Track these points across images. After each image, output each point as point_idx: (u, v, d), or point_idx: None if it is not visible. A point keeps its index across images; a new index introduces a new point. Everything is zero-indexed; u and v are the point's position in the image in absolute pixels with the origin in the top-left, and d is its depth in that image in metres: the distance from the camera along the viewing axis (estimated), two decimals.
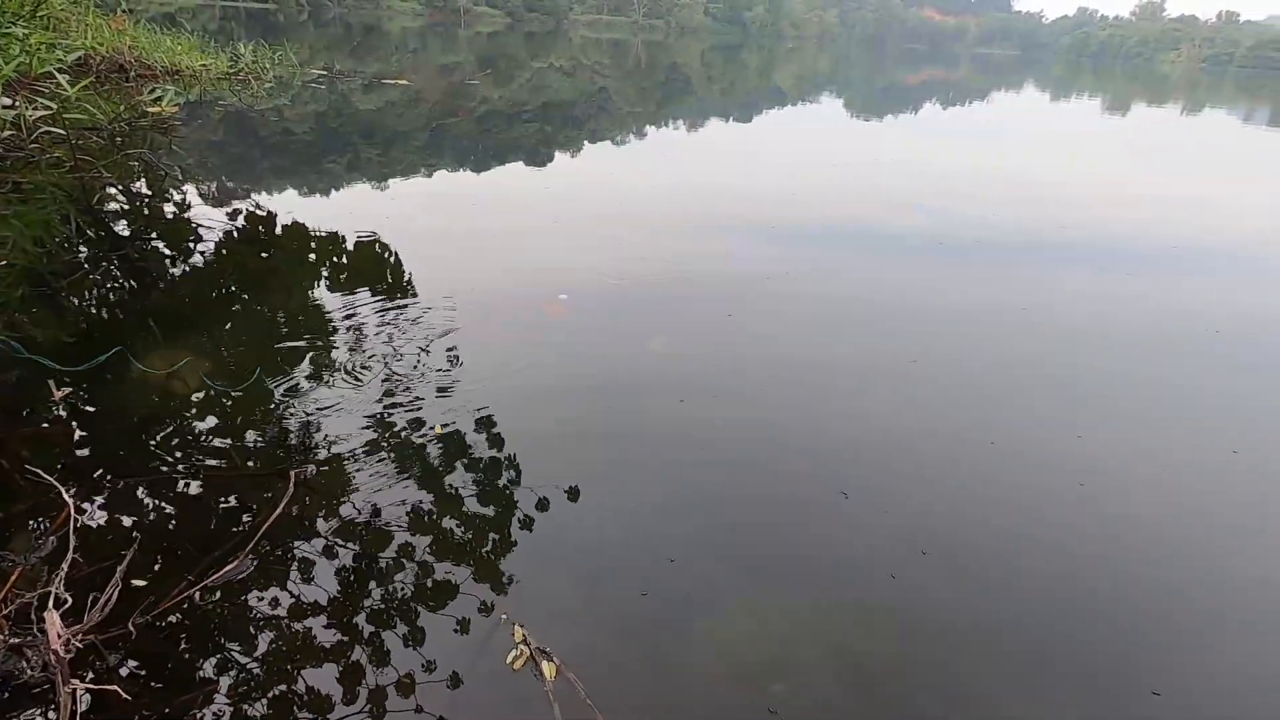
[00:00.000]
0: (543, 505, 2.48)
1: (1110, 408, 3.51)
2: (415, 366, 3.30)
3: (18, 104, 5.93)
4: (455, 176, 7.51)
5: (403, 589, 2.10)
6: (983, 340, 4.19)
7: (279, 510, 2.24)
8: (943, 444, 3.06)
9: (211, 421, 2.77)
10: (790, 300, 4.52)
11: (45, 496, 2.21)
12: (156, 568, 2.08)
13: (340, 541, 2.24)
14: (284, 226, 5.16)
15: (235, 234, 4.94)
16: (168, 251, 4.60)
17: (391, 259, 4.68)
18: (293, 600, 2.03)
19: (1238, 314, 5.00)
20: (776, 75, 30.68)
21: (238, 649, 1.88)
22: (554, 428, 2.98)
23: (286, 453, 2.62)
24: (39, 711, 1.62)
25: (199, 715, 1.70)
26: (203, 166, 6.67)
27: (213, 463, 2.54)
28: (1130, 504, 2.76)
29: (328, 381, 3.10)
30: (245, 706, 1.74)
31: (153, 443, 2.62)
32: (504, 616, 2.00)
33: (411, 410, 2.95)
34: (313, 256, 4.77)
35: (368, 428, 2.80)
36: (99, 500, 2.31)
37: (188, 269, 4.36)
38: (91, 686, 1.62)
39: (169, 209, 5.41)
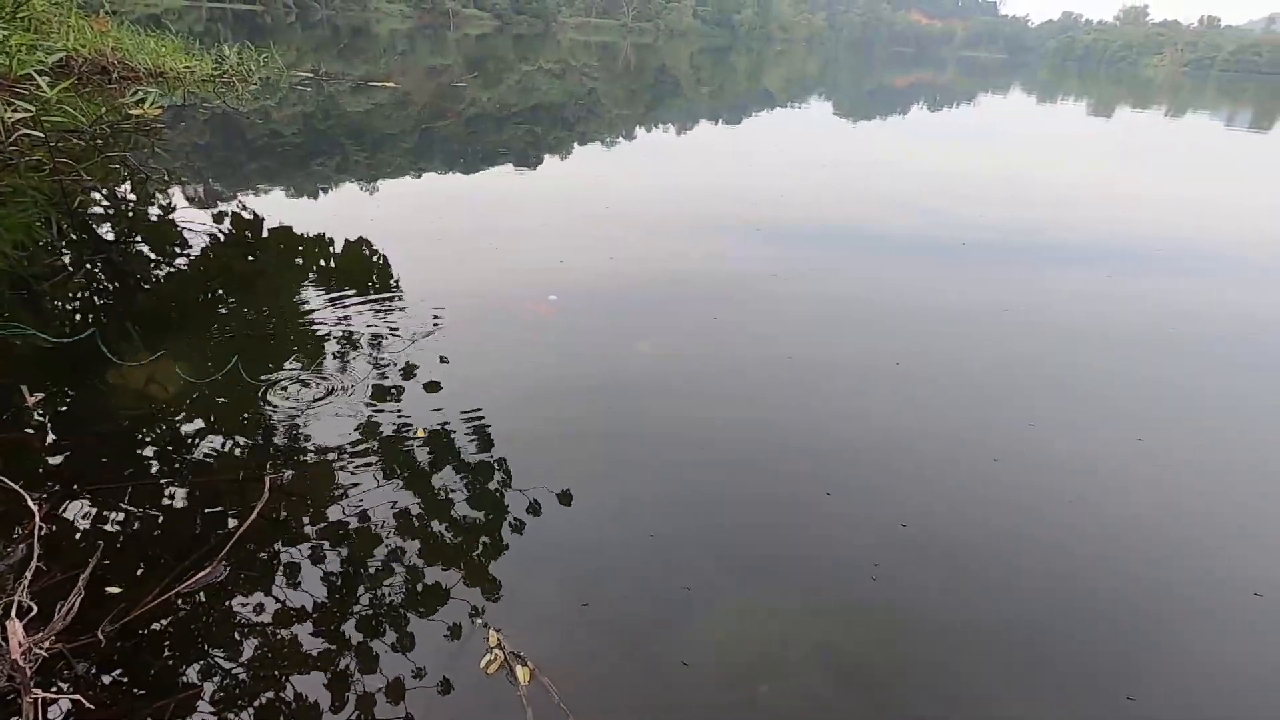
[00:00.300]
0: (533, 509, 2.44)
1: (1109, 407, 3.51)
2: (402, 368, 3.25)
3: None
4: (444, 178, 7.47)
5: (386, 594, 2.06)
6: (978, 339, 4.18)
7: (254, 516, 2.20)
8: (939, 444, 3.05)
9: (190, 426, 2.71)
10: (781, 300, 4.51)
11: (18, 504, 2.15)
12: (137, 574, 2.03)
13: (320, 546, 2.20)
14: (271, 229, 5.10)
15: (221, 237, 4.87)
16: (152, 254, 4.53)
17: (379, 261, 4.63)
18: (270, 606, 1.99)
19: (1234, 314, 5.04)
20: (765, 78, 30.80)
21: (214, 656, 1.84)
22: (541, 428, 2.95)
23: (266, 457, 2.57)
24: None
25: None
26: (189, 169, 6.60)
27: (190, 468, 2.49)
28: (1128, 504, 2.76)
29: (312, 384, 3.05)
30: (223, 714, 1.70)
31: (129, 448, 2.57)
32: (479, 621, 1.98)
33: (397, 412, 2.91)
34: (300, 259, 4.71)
35: (352, 431, 2.75)
36: (75, 507, 2.26)
37: (172, 272, 4.29)
38: (53, 695, 1.57)
39: (153, 212, 5.34)
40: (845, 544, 2.40)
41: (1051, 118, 21.58)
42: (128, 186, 5.76)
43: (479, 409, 2.97)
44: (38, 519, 2.02)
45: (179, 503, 2.33)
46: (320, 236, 4.93)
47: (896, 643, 2.04)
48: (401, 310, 3.87)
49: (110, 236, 4.76)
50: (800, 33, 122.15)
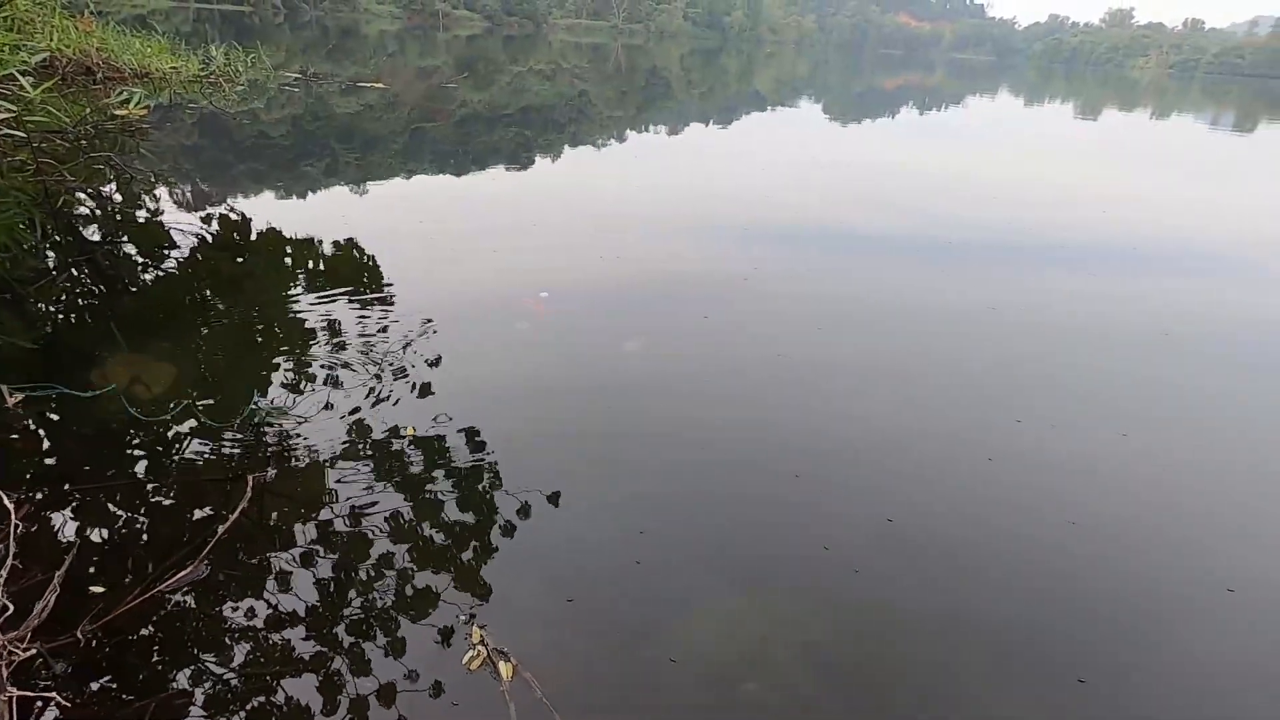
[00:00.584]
0: (524, 511, 2.43)
1: (1102, 406, 3.54)
2: (393, 369, 3.23)
3: None
4: (435, 180, 7.44)
5: (372, 594, 2.05)
6: (974, 339, 4.20)
7: (236, 514, 2.18)
8: (932, 443, 3.06)
9: (176, 427, 2.69)
10: (772, 300, 4.52)
11: None
12: (121, 574, 2.01)
13: (305, 546, 2.18)
14: (260, 231, 5.06)
15: (209, 239, 4.83)
16: (139, 257, 4.49)
17: (369, 262, 4.61)
18: (252, 606, 1.97)
19: (1230, 314, 5.09)
20: (756, 79, 30.89)
21: (197, 655, 1.82)
22: (531, 428, 2.94)
23: (252, 458, 2.55)
24: None
25: None
26: (176, 171, 6.54)
27: (175, 468, 2.47)
28: (1123, 503, 2.77)
29: (301, 385, 3.03)
30: (206, 713, 1.68)
31: (113, 449, 2.54)
32: (461, 618, 1.98)
33: (386, 413, 2.89)
34: (289, 261, 4.68)
35: (340, 431, 2.74)
36: (57, 507, 2.24)
37: (160, 274, 4.25)
38: (29, 694, 1.56)
39: (140, 214, 5.29)
40: (834, 542, 2.40)
41: (1040, 120, 21.75)
42: (114, 188, 5.70)
43: (468, 409, 2.96)
44: (14, 518, 2.00)
45: (164, 503, 2.31)
46: (310, 238, 4.90)
47: (885, 641, 2.05)
48: (391, 311, 3.85)
49: (97, 238, 4.71)
50: (790, 34, 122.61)
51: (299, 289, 4.14)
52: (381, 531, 2.28)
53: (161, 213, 5.31)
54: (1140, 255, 6.49)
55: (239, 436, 2.66)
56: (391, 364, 3.28)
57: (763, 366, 3.64)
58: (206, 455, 2.55)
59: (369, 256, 4.68)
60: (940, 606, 2.17)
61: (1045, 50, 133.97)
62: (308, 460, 2.57)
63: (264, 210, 5.61)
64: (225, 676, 1.79)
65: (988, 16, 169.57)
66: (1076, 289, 5.26)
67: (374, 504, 2.39)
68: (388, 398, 3.02)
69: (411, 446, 2.72)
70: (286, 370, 3.16)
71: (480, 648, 1.88)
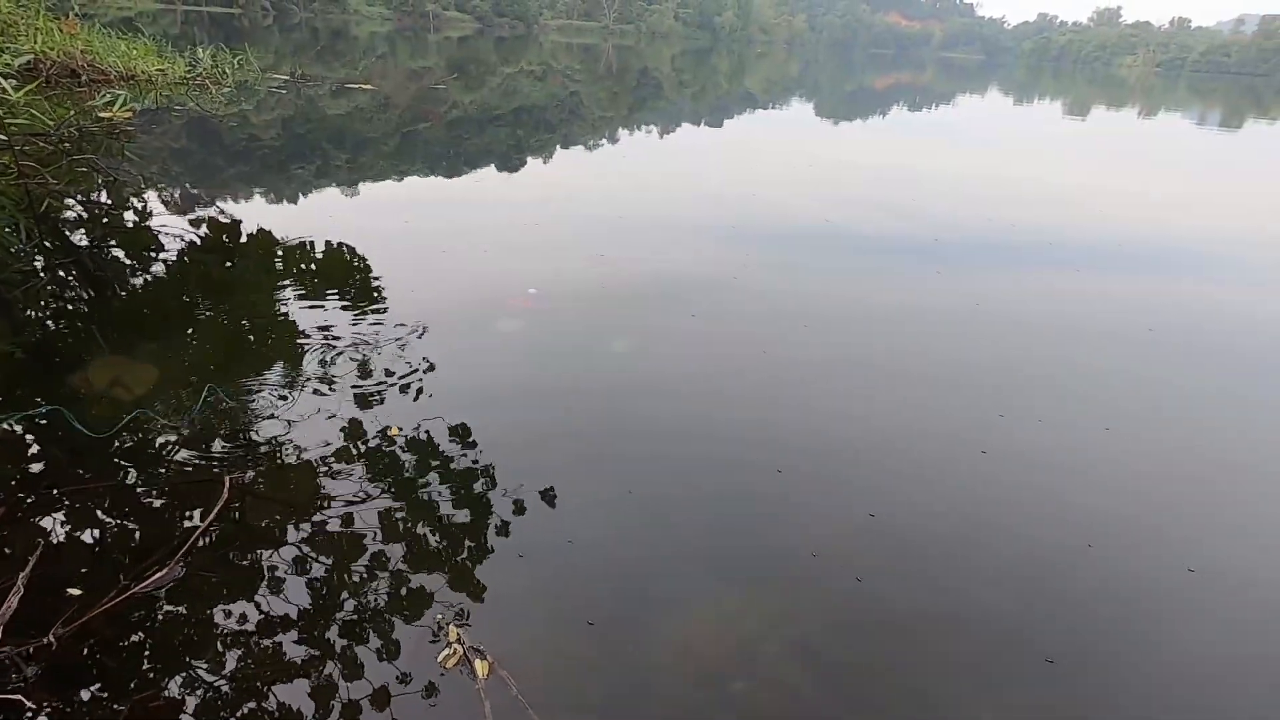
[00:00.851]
0: (519, 508, 2.41)
1: (1092, 403, 3.55)
2: (381, 369, 3.21)
3: None
4: (426, 181, 7.40)
5: (357, 596, 2.03)
6: (965, 336, 4.21)
7: (213, 516, 2.18)
8: (925, 440, 3.07)
9: (156, 429, 2.65)
10: (760, 298, 4.51)
11: None
12: (99, 577, 2.00)
13: (285, 547, 2.17)
14: (249, 234, 5.02)
15: (198, 242, 4.78)
16: (127, 260, 4.44)
17: (359, 264, 4.57)
18: (228, 608, 1.96)
19: (1210, 310, 5.12)
20: (747, 79, 30.93)
21: (173, 658, 1.81)
22: (518, 425, 2.93)
23: (235, 459, 2.53)
24: None
25: None
26: (166, 174, 6.48)
27: (158, 471, 2.45)
28: (1117, 502, 2.78)
29: (287, 387, 3.01)
30: (180, 714, 1.67)
31: (94, 453, 2.51)
32: (439, 616, 1.97)
33: (376, 412, 2.87)
34: (279, 264, 4.64)
35: (325, 432, 2.72)
36: (39, 510, 2.21)
37: (149, 277, 4.20)
38: None
39: (129, 217, 5.23)
40: (823, 539, 2.40)
41: (1030, 119, 21.86)
42: (104, 193, 5.64)
43: (457, 408, 2.94)
44: None
45: (144, 505, 2.30)
46: (301, 241, 4.85)
47: (874, 636, 2.05)
48: (383, 312, 3.83)
49: (84, 242, 4.65)
50: (781, 34, 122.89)
51: (289, 291, 4.10)
52: (367, 531, 2.27)
53: (150, 216, 5.26)
54: (1126, 254, 6.52)
55: (223, 440, 2.63)
56: (383, 364, 3.26)
57: (751, 364, 3.64)
58: (190, 458, 2.53)
59: (360, 258, 4.65)
60: (929, 600, 2.17)
61: (1034, 49, 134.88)
62: (293, 461, 2.56)
63: (254, 213, 5.57)
64: (202, 679, 1.77)
65: (977, 15, 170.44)
66: (1065, 287, 5.29)
67: (360, 503, 2.37)
68: (376, 397, 3.00)
69: (399, 446, 2.70)
70: (276, 370, 3.13)
71: (456, 645, 1.88)
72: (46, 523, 2.19)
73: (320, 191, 6.63)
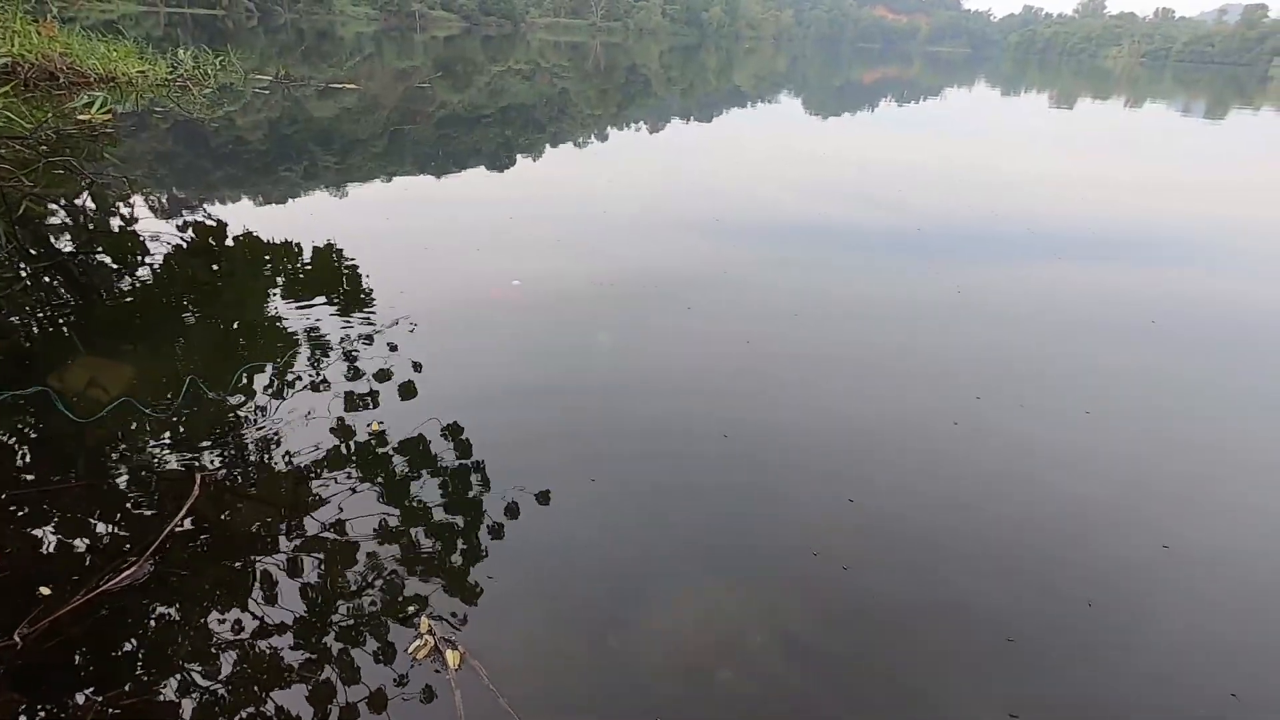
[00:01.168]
0: (511, 511, 2.40)
1: (1080, 391, 3.57)
2: (372, 371, 3.19)
3: None
4: (414, 181, 7.36)
5: (345, 596, 2.02)
6: (955, 327, 4.23)
7: (182, 513, 2.17)
8: (904, 429, 3.08)
9: (138, 418, 2.64)
10: (750, 290, 4.51)
11: None
12: (70, 576, 1.99)
13: (259, 546, 2.16)
14: (237, 236, 4.98)
15: (184, 245, 4.74)
16: (112, 263, 4.39)
17: (348, 265, 4.54)
18: (199, 606, 1.94)
19: (1200, 297, 5.16)
20: (735, 75, 30.93)
21: (140, 657, 1.80)
22: (509, 424, 2.92)
23: (216, 458, 2.52)
24: None
25: None
26: (151, 177, 6.41)
27: (132, 470, 2.44)
28: (1097, 485, 2.80)
29: (273, 386, 2.99)
30: (149, 712, 1.66)
31: (68, 448, 2.51)
32: (413, 608, 1.98)
33: (365, 412, 2.86)
34: (267, 266, 4.60)
35: (309, 433, 2.70)
36: (12, 509, 2.19)
37: (134, 281, 4.16)
38: None
39: (114, 221, 5.18)
40: (813, 529, 2.41)
41: (1016, 110, 21.96)
42: (88, 197, 5.58)
43: (447, 407, 2.93)
44: None
45: (115, 504, 2.28)
46: (288, 243, 4.82)
47: (859, 624, 2.06)
48: (372, 312, 3.81)
49: (69, 247, 4.60)
50: (768, 30, 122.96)
51: (278, 292, 4.07)
52: (355, 530, 2.26)
53: (136, 219, 5.20)
54: (1113, 242, 6.56)
55: (202, 438, 2.62)
56: (369, 364, 3.25)
57: (742, 358, 3.64)
58: (167, 454, 2.53)
59: (348, 259, 4.62)
60: (914, 589, 2.18)
61: (1020, 42, 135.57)
62: (274, 459, 2.55)
63: (242, 215, 5.52)
64: (174, 677, 1.76)
65: (963, 9, 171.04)
66: (1046, 275, 5.32)
67: (337, 503, 2.36)
68: (365, 396, 2.98)
69: (386, 446, 2.69)
70: (263, 372, 3.11)
71: (428, 636, 1.88)
72: (19, 521, 2.17)
73: (308, 193, 6.58)
